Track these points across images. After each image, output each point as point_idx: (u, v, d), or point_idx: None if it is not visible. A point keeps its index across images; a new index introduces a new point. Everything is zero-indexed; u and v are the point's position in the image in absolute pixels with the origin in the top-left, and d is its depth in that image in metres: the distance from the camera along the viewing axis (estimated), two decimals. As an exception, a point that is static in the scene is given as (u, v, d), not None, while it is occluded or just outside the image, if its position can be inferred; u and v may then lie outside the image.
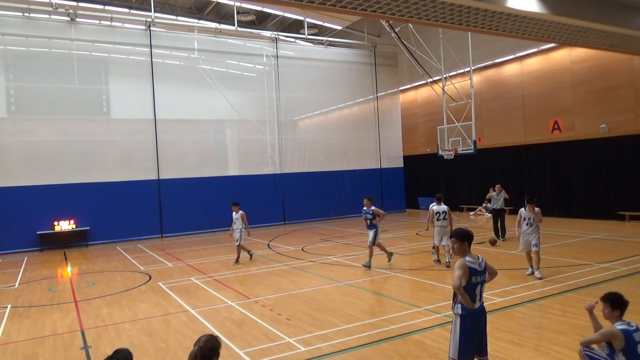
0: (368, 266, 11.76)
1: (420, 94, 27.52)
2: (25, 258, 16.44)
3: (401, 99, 28.14)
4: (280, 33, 24.55)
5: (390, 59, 27.13)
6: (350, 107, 26.29)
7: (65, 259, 16.06)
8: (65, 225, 18.36)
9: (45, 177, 18.32)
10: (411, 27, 20.90)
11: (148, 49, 20.54)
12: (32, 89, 18.58)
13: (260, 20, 26.15)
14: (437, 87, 22.37)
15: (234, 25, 21.63)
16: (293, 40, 24.95)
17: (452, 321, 4.69)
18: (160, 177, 20.48)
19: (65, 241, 18.40)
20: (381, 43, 26.60)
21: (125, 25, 20.73)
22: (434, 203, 12.19)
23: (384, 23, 21.58)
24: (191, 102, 21.32)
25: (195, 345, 3.30)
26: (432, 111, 25.84)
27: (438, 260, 12.00)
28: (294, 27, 26.52)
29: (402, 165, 27.53)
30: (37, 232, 18.04)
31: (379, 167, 26.48)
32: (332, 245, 16.07)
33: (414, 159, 27.95)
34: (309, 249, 15.41)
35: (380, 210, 12.06)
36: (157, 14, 20.61)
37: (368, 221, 11.97)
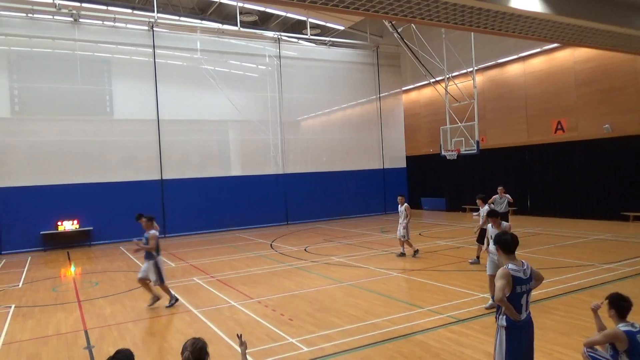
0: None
1: (423, 94, 27.51)
2: (29, 258, 16.50)
3: (404, 99, 28.15)
4: (282, 33, 24.58)
5: (392, 59, 27.13)
6: (352, 108, 26.29)
7: (69, 259, 16.11)
8: (68, 226, 18.42)
9: (49, 177, 18.38)
10: (414, 27, 20.89)
11: (151, 50, 20.60)
12: (35, 89, 18.64)
13: (263, 21, 26.17)
14: (440, 87, 22.36)
15: (236, 25, 21.66)
16: (295, 40, 24.97)
17: (496, 333, 4.38)
18: (163, 178, 20.52)
19: (69, 241, 18.45)
20: (384, 43, 26.60)
21: (128, 25, 20.77)
22: (485, 206, 11.86)
23: (386, 23, 21.60)
24: (194, 103, 21.36)
25: (183, 352, 3.29)
26: (435, 111, 25.83)
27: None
28: (297, 27, 26.54)
29: (405, 166, 27.52)
30: (41, 232, 18.10)
31: (382, 167, 26.48)
32: (335, 245, 16.07)
33: (417, 159, 27.93)
34: (311, 249, 15.42)
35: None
36: (160, 15, 20.65)
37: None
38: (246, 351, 3.87)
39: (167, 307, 9.04)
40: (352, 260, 13.03)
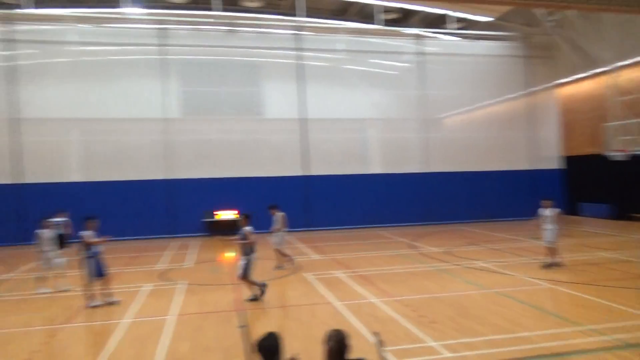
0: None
1: (583, 86, 24.60)
2: (195, 242, 18.68)
3: (558, 93, 25.51)
4: (424, 29, 24.05)
5: (544, 50, 24.74)
6: (498, 104, 24.66)
7: (225, 245, 17.84)
8: (225, 215, 20.37)
9: (210, 171, 20.59)
10: (571, 13, 18.77)
11: (297, 52, 21.80)
12: (199, 93, 21.14)
13: (404, 18, 25.89)
14: (605, 79, 19.79)
15: (376, 24, 21.81)
16: (437, 36, 24.26)
17: None
18: (308, 174, 21.58)
19: (226, 229, 20.43)
20: (535, 33, 24.40)
21: (276, 31, 22.30)
22: None
23: (537, 12, 19.78)
24: (336, 102, 22.09)
25: (328, 341, 3.45)
26: (598, 106, 22.94)
27: None
28: (439, 22, 25.73)
29: (559, 167, 24.99)
30: (202, 220, 20.37)
31: (531, 168, 24.41)
32: (479, 249, 15.28)
33: (575, 160, 25.09)
34: (454, 251, 14.88)
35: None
36: (304, 19, 21.78)
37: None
38: (384, 349, 3.89)
39: (247, 300, 9.39)
40: (498, 267, 12.26)
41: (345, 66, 22.20)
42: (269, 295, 9.79)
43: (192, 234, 20.20)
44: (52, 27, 20.51)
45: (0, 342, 7.47)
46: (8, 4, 21.20)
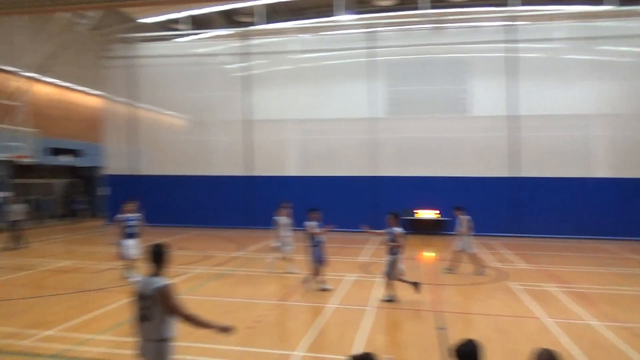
0: None
1: None
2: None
3: None
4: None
5: None
6: None
7: (425, 244, 17.80)
8: (425, 214, 20.31)
9: (411, 169, 20.78)
10: None
11: (507, 45, 20.24)
12: (403, 92, 21.44)
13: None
14: None
15: (606, 4, 18.77)
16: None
17: None
18: (517, 175, 19.96)
19: (425, 228, 20.39)
20: None
21: (486, 24, 21.11)
22: None
23: None
24: (553, 96, 19.79)
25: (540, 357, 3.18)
26: None
27: None
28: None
29: None
30: (402, 217, 20.65)
31: None
32: None
33: None
34: None
35: None
36: (519, 7, 20.09)
37: None
38: None
39: (380, 299, 9.35)
40: None
41: (564, 56, 19.76)
42: (468, 300, 9.42)
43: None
44: (278, 39, 23.40)
45: (227, 309, 8.89)
46: (245, 22, 25.01)
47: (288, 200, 15.24)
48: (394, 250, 9.54)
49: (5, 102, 19.10)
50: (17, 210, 16.41)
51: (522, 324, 8.08)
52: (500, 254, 15.29)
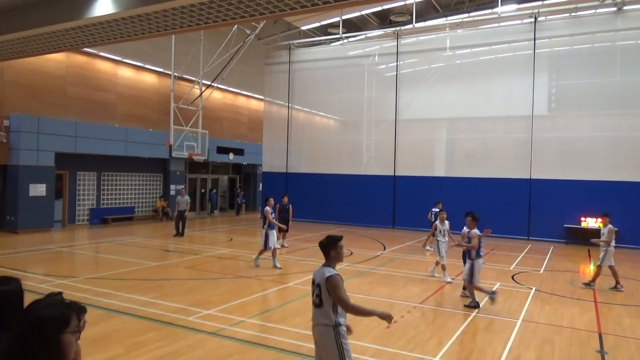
0: None
1: None
2: (551, 248, 17.35)
3: None
4: None
5: None
6: None
7: (589, 255, 15.81)
8: (591, 222, 18.00)
9: (576, 172, 18.55)
10: None
11: None
12: (570, 86, 19.19)
13: None
14: None
15: None
16: None
17: None
18: None
19: (590, 237, 18.02)
20: None
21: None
22: None
23: None
24: None
25: None
26: None
27: None
28: None
29: None
30: (564, 225, 18.61)
31: None
32: None
33: None
34: None
35: None
36: None
37: None
38: None
39: (465, 305, 8.93)
40: None
41: None
42: (637, 322, 8.12)
43: (549, 239, 18.78)
44: (431, 37, 22.82)
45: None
46: (399, 22, 24.98)
47: (439, 201, 14.77)
48: (471, 254, 8.98)
49: (189, 107, 22.08)
50: (183, 201, 18.54)
51: None
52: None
